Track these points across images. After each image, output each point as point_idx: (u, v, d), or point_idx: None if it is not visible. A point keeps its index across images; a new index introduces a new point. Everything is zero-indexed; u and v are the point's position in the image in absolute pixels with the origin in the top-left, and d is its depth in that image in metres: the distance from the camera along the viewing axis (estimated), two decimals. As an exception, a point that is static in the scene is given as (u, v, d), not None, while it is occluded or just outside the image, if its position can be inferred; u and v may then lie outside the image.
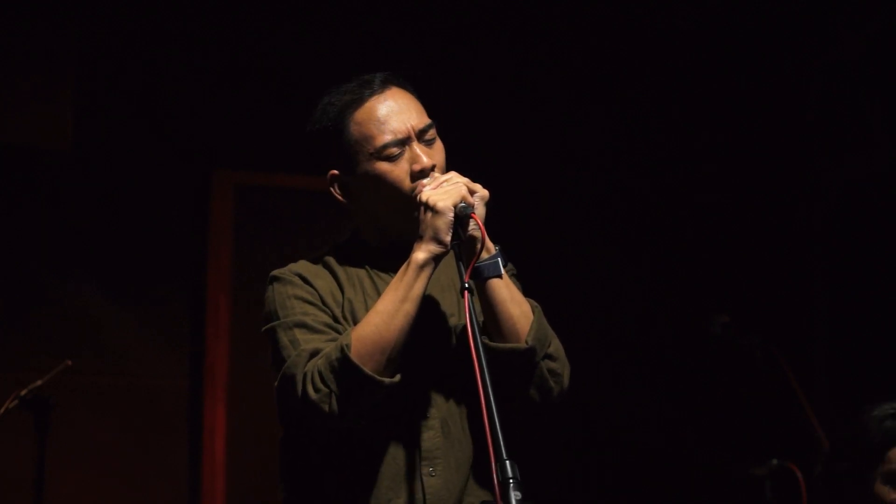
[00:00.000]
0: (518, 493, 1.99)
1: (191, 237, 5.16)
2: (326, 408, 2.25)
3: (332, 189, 2.50)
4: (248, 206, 5.25)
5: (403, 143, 2.43)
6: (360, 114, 2.44)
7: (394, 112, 2.43)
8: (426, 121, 2.46)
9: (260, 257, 5.08)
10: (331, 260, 2.51)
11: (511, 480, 2.00)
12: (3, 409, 3.96)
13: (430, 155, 2.43)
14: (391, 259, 2.47)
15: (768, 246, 5.72)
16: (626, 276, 5.61)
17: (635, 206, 5.70)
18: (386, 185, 2.42)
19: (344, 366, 2.25)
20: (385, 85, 2.47)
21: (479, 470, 2.41)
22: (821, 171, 5.78)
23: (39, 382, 4.02)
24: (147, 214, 5.04)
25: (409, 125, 2.43)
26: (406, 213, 2.40)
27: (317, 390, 2.26)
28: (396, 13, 5.20)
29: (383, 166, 2.42)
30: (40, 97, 4.93)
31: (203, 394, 5.07)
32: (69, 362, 4.09)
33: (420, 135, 2.44)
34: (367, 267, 2.50)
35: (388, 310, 2.30)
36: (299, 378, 2.29)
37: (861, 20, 5.50)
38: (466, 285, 2.23)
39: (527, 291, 2.50)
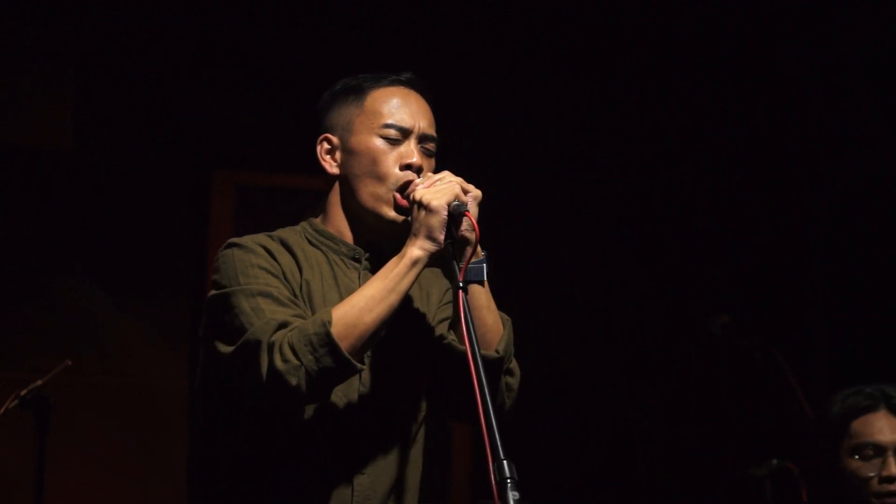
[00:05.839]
0: (516, 493, 1.97)
1: (191, 237, 5.16)
2: (293, 381, 2.19)
3: (319, 148, 2.52)
4: (248, 206, 5.25)
5: (405, 133, 2.46)
6: (380, 92, 2.50)
7: (409, 106, 2.49)
8: (432, 133, 2.51)
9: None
10: (289, 239, 2.47)
11: (508, 480, 1.98)
12: (3, 409, 3.96)
13: (422, 161, 2.46)
14: (352, 248, 2.48)
15: (768, 246, 5.71)
16: (625, 276, 5.60)
17: (635, 206, 5.69)
18: (374, 164, 2.44)
19: (323, 341, 2.20)
20: (412, 84, 2.52)
21: (410, 473, 2.39)
22: (822, 170, 5.77)
23: (39, 382, 4.02)
24: (147, 214, 5.04)
25: (418, 123, 2.48)
26: (376, 200, 2.43)
27: (285, 361, 2.19)
28: (394, 14, 5.19)
29: (379, 144, 2.45)
30: (40, 97, 4.93)
31: (203, 394, 5.06)
32: (69, 362, 4.10)
33: (422, 139, 2.48)
34: (326, 252, 2.48)
35: (374, 296, 2.27)
36: (265, 346, 2.22)
37: (865, 17, 5.49)
38: (461, 284, 2.22)
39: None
